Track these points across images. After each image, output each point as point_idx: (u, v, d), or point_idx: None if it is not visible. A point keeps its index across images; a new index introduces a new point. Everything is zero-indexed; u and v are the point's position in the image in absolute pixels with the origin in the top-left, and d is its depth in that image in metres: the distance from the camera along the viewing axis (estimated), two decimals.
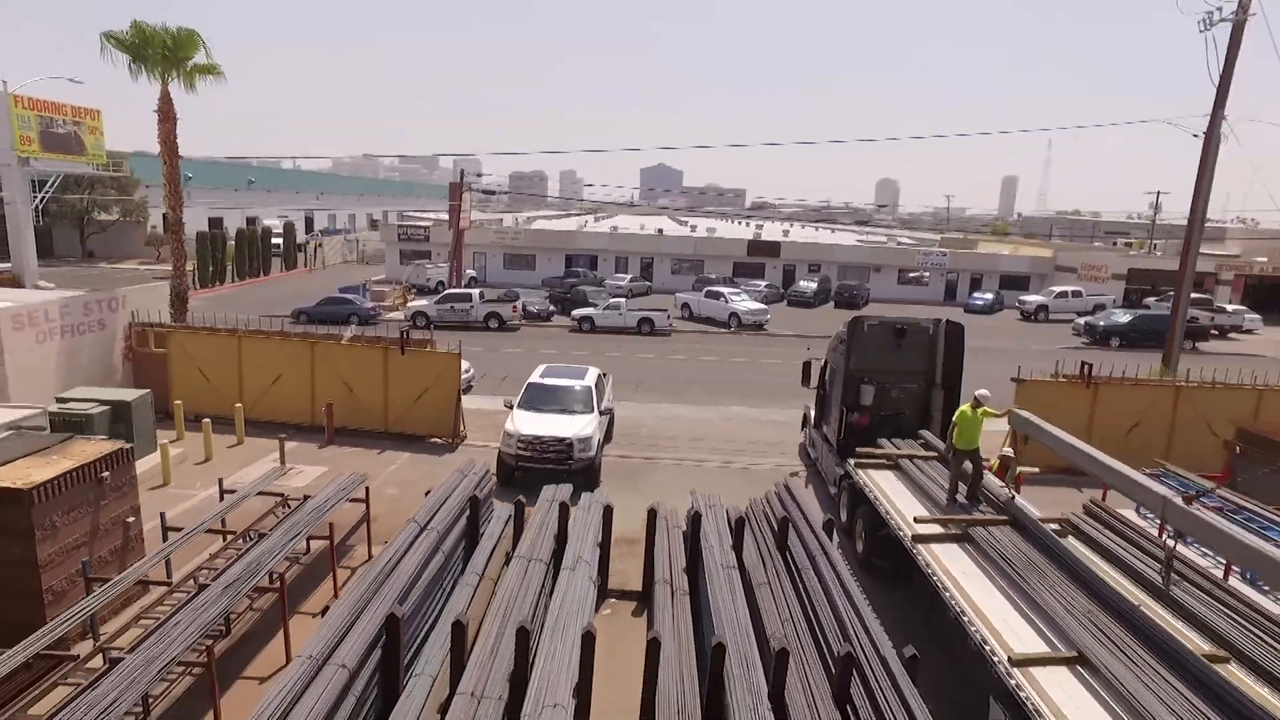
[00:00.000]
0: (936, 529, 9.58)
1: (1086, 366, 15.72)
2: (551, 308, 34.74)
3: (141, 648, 6.66)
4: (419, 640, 7.55)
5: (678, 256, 49.05)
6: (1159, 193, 64.35)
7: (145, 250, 52.04)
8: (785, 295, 44.12)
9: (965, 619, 7.62)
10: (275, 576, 8.05)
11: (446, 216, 39.74)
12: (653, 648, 6.97)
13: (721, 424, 18.57)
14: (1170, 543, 8.00)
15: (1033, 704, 6.27)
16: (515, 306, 31.78)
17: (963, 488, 10.41)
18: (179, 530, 9.02)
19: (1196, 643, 6.98)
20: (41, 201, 34.08)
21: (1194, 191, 18.03)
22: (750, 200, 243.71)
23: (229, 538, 9.35)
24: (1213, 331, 37.21)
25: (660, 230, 54.87)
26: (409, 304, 33.26)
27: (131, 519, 8.99)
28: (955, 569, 8.64)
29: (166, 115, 18.01)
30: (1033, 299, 42.51)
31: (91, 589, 7.81)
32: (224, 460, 14.07)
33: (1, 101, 29.73)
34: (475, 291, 32.40)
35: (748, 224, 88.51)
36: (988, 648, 7.11)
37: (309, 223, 75.78)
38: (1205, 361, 21.27)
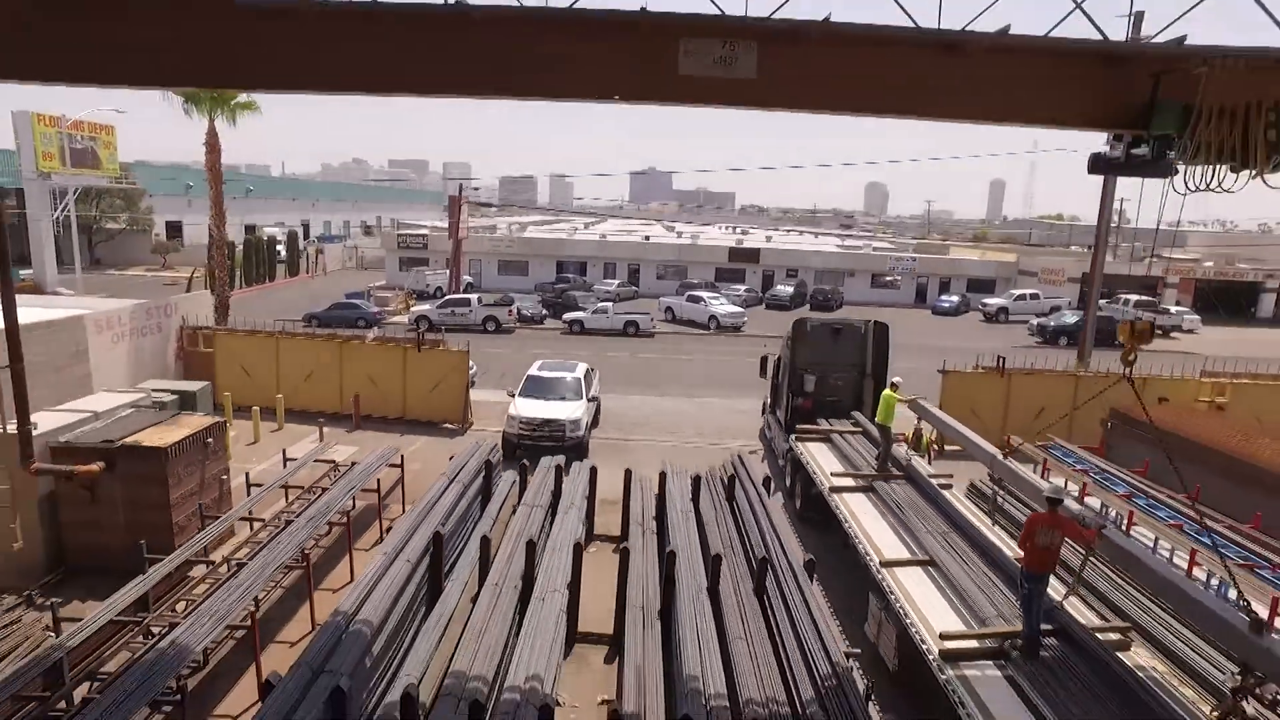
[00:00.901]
0: (849, 482, 12.32)
1: (1000, 360, 18.52)
2: (544, 311, 37.39)
3: (254, 560, 9.29)
4: (454, 558, 10.18)
5: (663, 262, 51.80)
6: (1122, 200, 67.60)
7: (151, 257, 54.27)
8: (764, 299, 46.88)
9: (856, 539, 10.35)
10: (342, 514, 10.68)
11: (440, 224, 42.31)
12: (624, 555, 9.69)
13: (695, 413, 21.28)
14: (993, 486, 10.78)
15: (893, 590, 8.99)
16: (510, 310, 34.42)
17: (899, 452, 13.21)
18: (259, 486, 11.64)
19: (1011, 550, 9.73)
20: (61, 213, 36.50)
21: (1099, 207, 20.88)
22: (739, 204, 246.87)
23: (298, 492, 11.95)
24: (1159, 330, 40.25)
25: (647, 237, 57.58)
26: (412, 309, 35.84)
27: (225, 476, 11.61)
28: (857, 509, 11.37)
29: (213, 147, 20.60)
30: (994, 301, 45.52)
31: (205, 526, 10.41)
32: (269, 442, 16.64)
33: (25, 122, 32.20)
34: (474, 297, 35.02)
35: (734, 230, 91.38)
36: (868, 556, 9.83)
37: (305, 229, 77.93)
38: (1145, 360, 24.17)
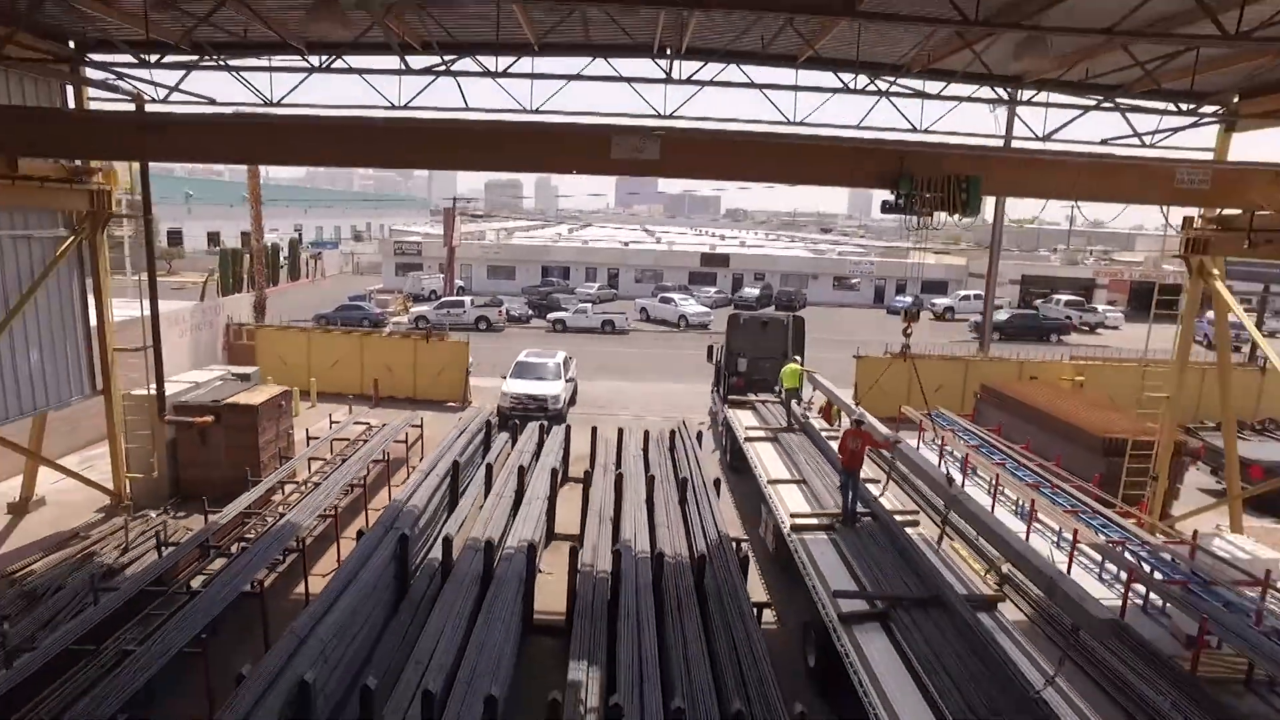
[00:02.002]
0: (760, 434, 16.38)
1: (904, 346, 22.62)
2: (530, 312, 41.33)
3: (327, 481, 13.18)
4: (466, 482, 14.10)
5: (640, 267, 55.86)
6: (1073, 205, 72.41)
7: (157, 263, 57.57)
8: (732, 300, 51.00)
9: (755, 467, 14.40)
10: (384, 453, 14.60)
11: (429, 230, 46.02)
12: (587, 479, 13.68)
13: (658, 395, 25.29)
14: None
15: (772, 497, 13.00)
16: (500, 311, 38.33)
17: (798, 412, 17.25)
18: (316, 439, 15.52)
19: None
20: None
21: (993, 224, 25.10)
22: (724, 208, 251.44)
23: (343, 444, 15.84)
24: (1083, 327, 44.90)
25: (626, 244, 61.61)
26: (411, 310, 39.68)
27: (290, 430, 15.51)
28: (761, 451, 15.41)
29: (254, 172, 24.41)
30: (941, 302, 49.90)
31: (281, 463, 14.29)
32: (306, 416, 20.44)
33: None
34: (467, 299, 38.91)
35: (713, 234, 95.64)
36: (760, 478, 13.87)
37: (299, 235, 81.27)
38: (1056, 350, 28.72)
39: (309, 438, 15.72)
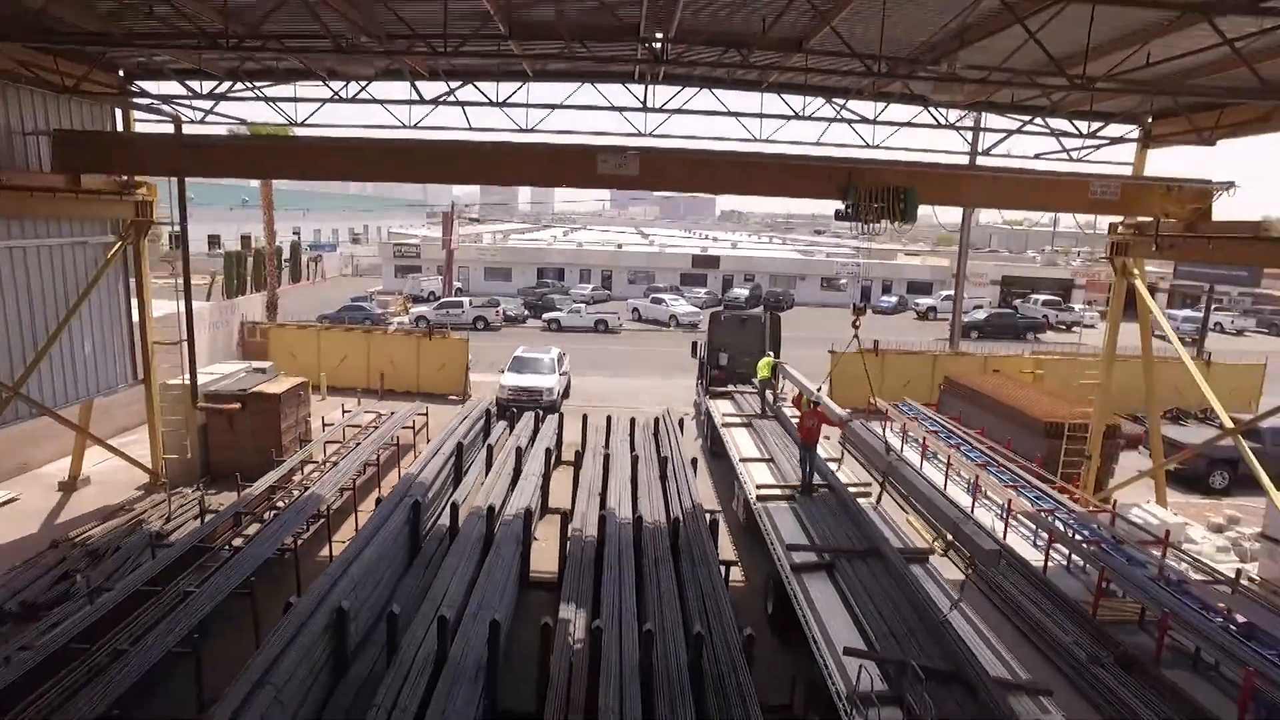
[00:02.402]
0: (735, 420, 17.95)
1: (875, 342, 24.24)
2: (526, 312, 42.85)
3: (343, 461, 14.70)
4: (469, 464, 15.63)
5: (633, 269, 57.42)
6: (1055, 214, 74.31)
7: (160, 265, 58.96)
8: (722, 300, 52.58)
9: (730, 450, 15.96)
10: (393, 438, 16.12)
11: (426, 232, 47.51)
12: (578, 459, 15.22)
13: (647, 389, 26.84)
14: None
15: (743, 474, 14.56)
16: (497, 311, 39.85)
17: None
18: (331, 425, 17.03)
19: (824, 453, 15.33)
20: None
21: (961, 229, 26.70)
22: (719, 210, 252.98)
23: (355, 430, 17.36)
24: (1060, 325, 46.63)
25: (619, 246, 63.17)
26: (411, 310, 41.17)
27: (308, 418, 17.03)
28: (737, 436, 16.96)
29: (267, 182, 25.90)
30: (925, 301, 51.58)
31: (300, 446, 15.80)
32: (318, 407, 21.87)
33: None
34: (465, 299, 40.43)
35: (707, 236, 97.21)
36: (734, 457, 15.43)
37: (298, 237, 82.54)
38: (1029, 347, 30.43)
39: (324, 424, 17.24)
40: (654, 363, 31.98)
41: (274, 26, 10.72)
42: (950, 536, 10.00)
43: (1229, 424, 13.65)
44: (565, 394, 23.99)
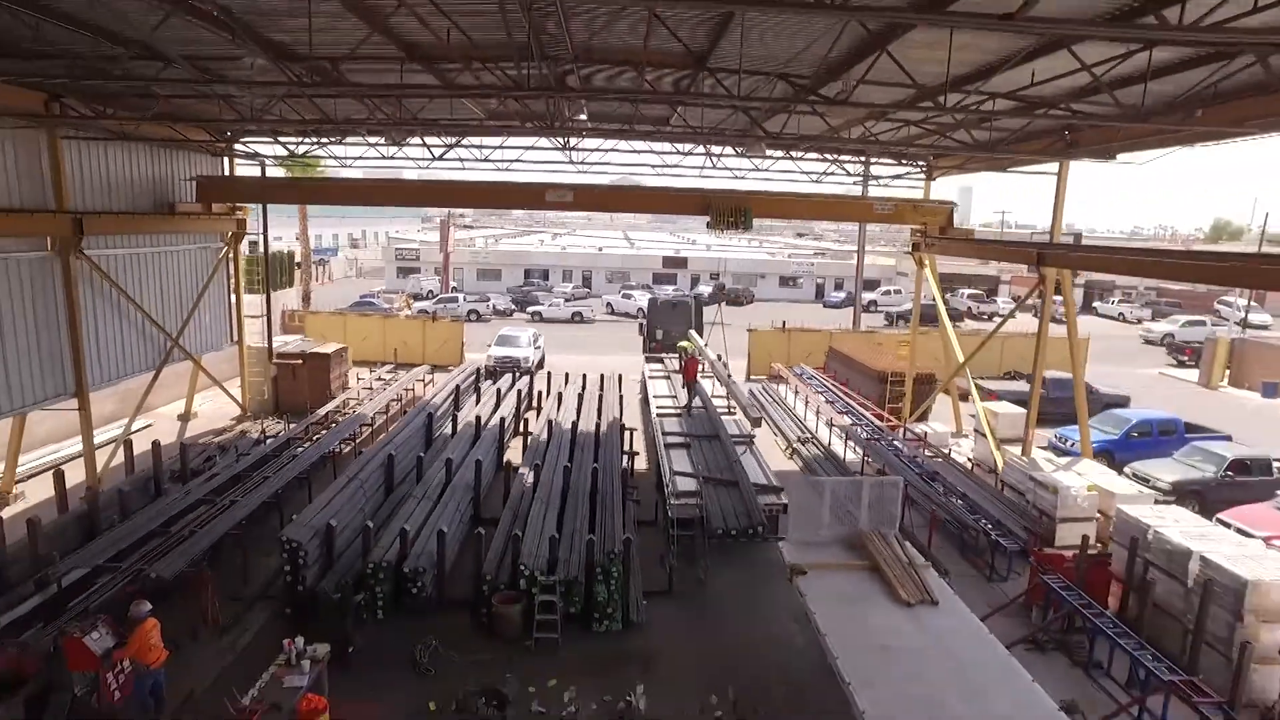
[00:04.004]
0: (659, 374, 24.43)
1: (783, 321, 30.76)
2: (514, 307, 49.26)
3: (371, 401, 21.11)
4: (464, 403, 22.04)
5: (611, 269, 63.87)
6: (1003, 212, 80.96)
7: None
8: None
9: (650, 393, 22.42)
10: (409, 387, 22.57)
11: (423, 237, 53.80)
12: (541, 396, 21.69)
13: (607, 362, 33.18)
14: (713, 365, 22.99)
15: (652, 403, 21.00)
16: (488, 306, 46.26)
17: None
18: (362, 379, 23.45)
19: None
20: None
21: (858, 234, 33.22)
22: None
23: (380, 384, 23.77)
24: (981, 315, 53.27)
25: (599, 249, 69.65)
26: (412, 306, 47.56)
27: (346, 373, 23.46)
28: (658, 385, 23.42)
29: (303, 206, 32.32)
30: (867, 297, 58.10)
31: (343, 392, 22.20)
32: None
33: None
34: (460, 296, 46.85)
35: (687, 239, 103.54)
36: (650, 392, 21.89)
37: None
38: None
39: (358, 379, 23.71)
40: (616, 345, 38.37)
41: (343, 112, 17.15)
42: (769, 423, 16.56)
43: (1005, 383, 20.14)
44: (540, 365, 30.45)
